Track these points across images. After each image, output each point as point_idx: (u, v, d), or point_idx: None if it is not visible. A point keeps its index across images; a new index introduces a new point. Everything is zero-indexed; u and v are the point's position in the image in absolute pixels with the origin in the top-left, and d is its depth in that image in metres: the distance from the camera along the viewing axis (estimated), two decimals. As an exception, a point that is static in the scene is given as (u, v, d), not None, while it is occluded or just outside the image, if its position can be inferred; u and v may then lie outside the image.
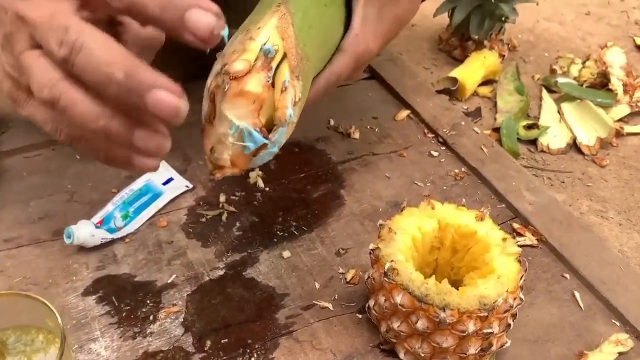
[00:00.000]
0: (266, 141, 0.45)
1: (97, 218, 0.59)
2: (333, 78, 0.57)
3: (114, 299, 0.54)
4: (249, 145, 0.44)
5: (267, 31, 0.47)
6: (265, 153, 0.45)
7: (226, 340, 0.51)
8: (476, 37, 0.91)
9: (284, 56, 0.46)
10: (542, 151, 0.80)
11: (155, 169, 0.40)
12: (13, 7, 0.37)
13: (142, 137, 0.37)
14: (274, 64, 0.45)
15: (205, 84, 0.46)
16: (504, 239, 0.51)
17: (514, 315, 0.49)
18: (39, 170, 0.66)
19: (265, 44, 0.46)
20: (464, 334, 0.46)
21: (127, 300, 0.54)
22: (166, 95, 0.34)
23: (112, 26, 0.42)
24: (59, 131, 0.39)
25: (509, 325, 0.49)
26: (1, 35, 0.39)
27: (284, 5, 0.50)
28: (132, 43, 0.43)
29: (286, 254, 0.59)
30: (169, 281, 0.56)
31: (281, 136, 0.46)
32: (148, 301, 0.54)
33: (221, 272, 0.57)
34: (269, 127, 0.46)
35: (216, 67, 0.46)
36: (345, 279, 0.57)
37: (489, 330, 0.46)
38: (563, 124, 0.83)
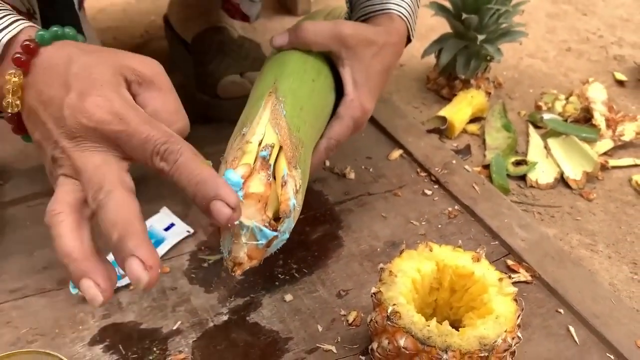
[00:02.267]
0: (276, 234, 0.48)
1: (101, 266, 0.60)
2: (332, 143, 0.61)
3: (121, 348, 0.55)
4: (261, 241, 0.47)
5: (261, 128, 0.50)
6: (277, 241, 0.49)
7: (233, 385, 0.52)
8: (463, 76, 0.94)
9: (280, 148, 0.50)
10: (532, 186, 0.82)
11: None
12: (63, 145, 0.43)
13: (85, 286, 0.41)
14: (271, 161, 0.48)
15: None
16: (500, 279, 0.52)
17: (512, 354, 0.51)
18: (42, 219, 0.66)
19: (261, 142, 0.49)
20: (466, 374, 0.47)
21: (134, 348, 0.55)
22: (139, 268, 0.38)
23: None
24: None
25: (509, 363, 0.50)
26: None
27: (274, 94, 0.53)
28: None
29: (288, 297, 0.60)
30: (174, 328, 0.57)
31: (289, 224, 0.49)
32: (155, 349, 0.55)
33: (225, 318, 0.58)
34: (277, 216, 0.48)
35: (221, 171, 0.49)
36: (347, 320, 0.58)
37: (490, 370, 0.48)
38: (550, 159, 0.86)
